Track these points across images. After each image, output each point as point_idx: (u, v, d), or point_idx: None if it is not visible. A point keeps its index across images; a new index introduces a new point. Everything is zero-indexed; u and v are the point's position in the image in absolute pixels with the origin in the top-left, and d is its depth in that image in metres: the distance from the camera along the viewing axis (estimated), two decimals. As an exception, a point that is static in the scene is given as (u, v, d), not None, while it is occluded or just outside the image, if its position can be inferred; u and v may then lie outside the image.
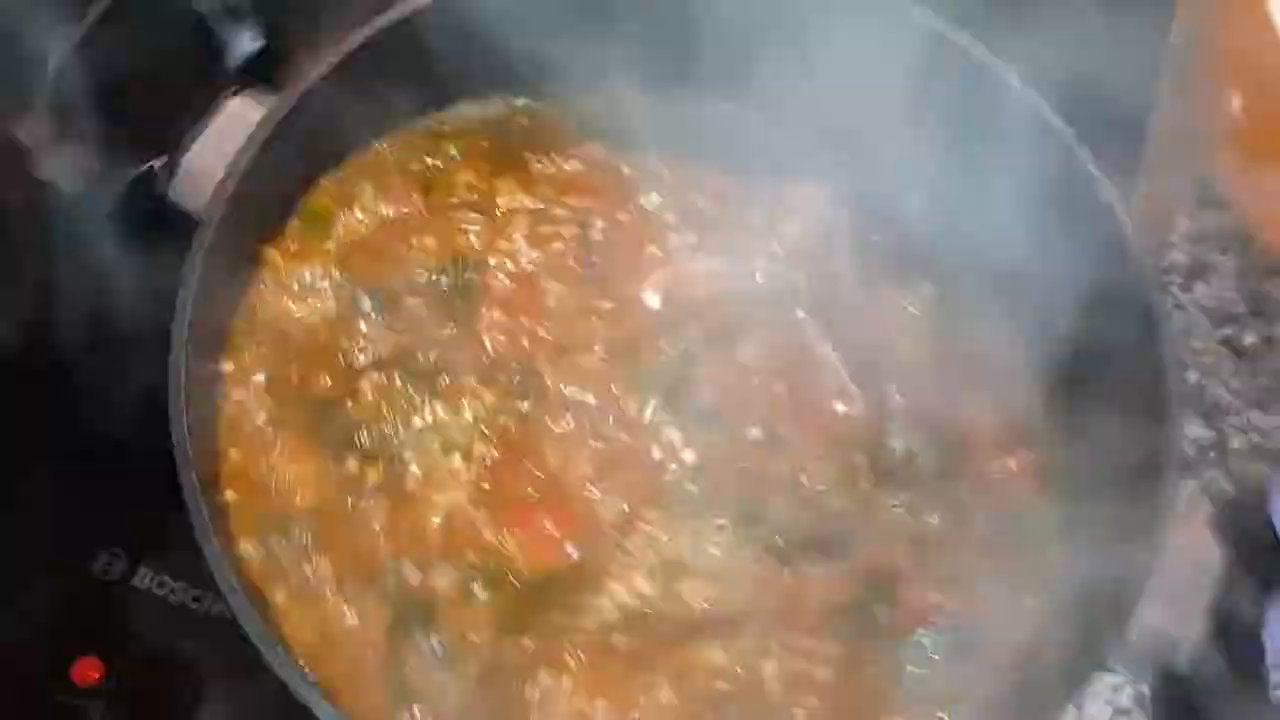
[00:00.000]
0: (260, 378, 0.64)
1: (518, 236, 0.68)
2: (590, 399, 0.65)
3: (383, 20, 0.66)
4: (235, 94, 0.64)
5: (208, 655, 0.67)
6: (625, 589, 0.61)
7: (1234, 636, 0.56)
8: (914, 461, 0.65)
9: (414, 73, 0.68)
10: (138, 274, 0.66)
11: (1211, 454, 0.80)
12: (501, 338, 0.66)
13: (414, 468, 0.62)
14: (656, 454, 0.64)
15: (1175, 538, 0.56)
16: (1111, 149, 0.83)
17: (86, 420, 0.69)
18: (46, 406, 0.70)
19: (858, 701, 0.60)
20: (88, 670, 0.66)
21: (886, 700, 0.60)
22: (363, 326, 0.65)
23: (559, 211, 0.70)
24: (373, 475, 0.62)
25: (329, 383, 0.64)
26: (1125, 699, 0.74)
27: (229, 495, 0.61)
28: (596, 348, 0.66)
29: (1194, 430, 0.80)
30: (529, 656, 0.59)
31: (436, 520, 0.62)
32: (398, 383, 0.64)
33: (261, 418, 0.63)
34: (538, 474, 0.63)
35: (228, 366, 0.64)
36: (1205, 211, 0.86)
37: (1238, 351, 0.83)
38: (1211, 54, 0.83)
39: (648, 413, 0.64)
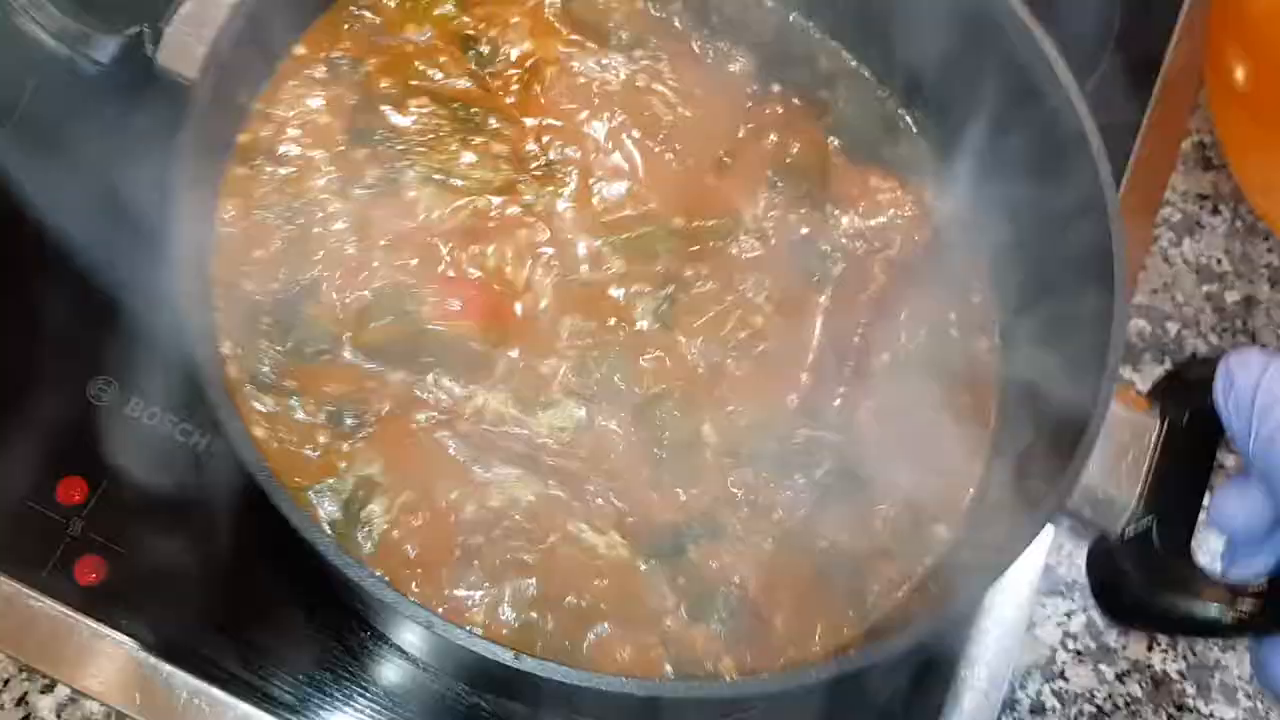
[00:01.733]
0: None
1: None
2: None
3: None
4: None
5: (188, 487, 0.68)
6: None
7: (1167, 506, 0.58)
8: None
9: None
10: (128, 133, 0.67)
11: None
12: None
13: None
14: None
15: (1115, 406, 0.58)
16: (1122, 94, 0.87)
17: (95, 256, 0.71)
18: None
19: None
20: (71, 489, 0.68)
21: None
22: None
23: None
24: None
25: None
26: (1076, 625, 0.77)
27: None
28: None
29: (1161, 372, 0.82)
30: None
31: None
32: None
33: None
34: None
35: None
36: (1201, 171, 0.88)
37: (1219, 308, 0.85)
38: (1222, 17, 0.85)
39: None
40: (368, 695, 0.68)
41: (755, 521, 0.64)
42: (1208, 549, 0.63)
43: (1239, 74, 0.85)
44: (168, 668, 0.66)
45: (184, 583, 0.67)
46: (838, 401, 0.66)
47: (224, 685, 0.66)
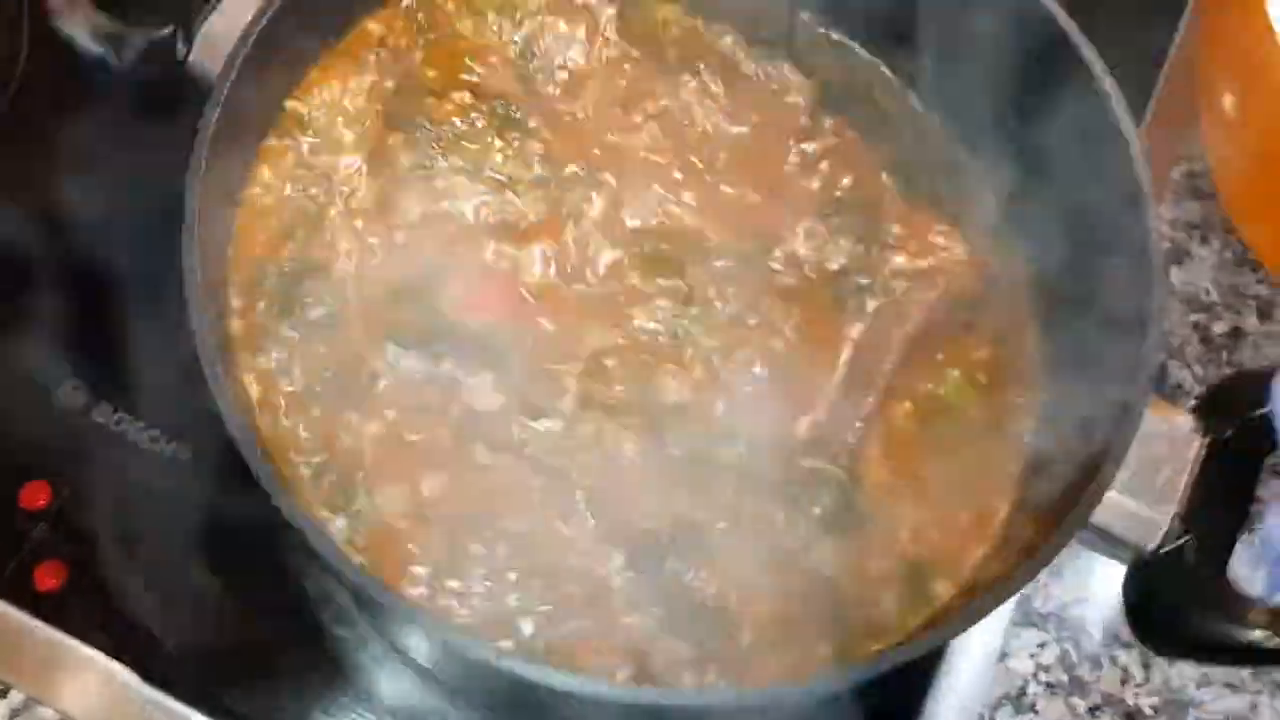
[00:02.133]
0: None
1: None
2: None
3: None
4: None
5: (155, 494, 0.68)
6: None
7: (1206, 525, 0.56)
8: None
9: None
10: (152, 135, 0.68)
11: (1169, 433, 0.81)
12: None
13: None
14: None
15: (1153, 419, 0.56)
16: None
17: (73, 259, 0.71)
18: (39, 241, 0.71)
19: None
20: (36, 494, 0.67)
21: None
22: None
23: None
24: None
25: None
26: (1049, 656, 0.75)
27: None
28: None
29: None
30: None
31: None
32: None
33: None
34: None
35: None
36: (1191, 199, 0.87)
37: (1206, 339, 0.84)
38: (1212, 45, 0.84)
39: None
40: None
41: (742, 543, 0.62)
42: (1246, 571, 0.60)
43: (1228, 103, 0.85)
44: (125, 676, 0.65)
45: (146, 592, 0.67)
46: (850, 438, 0.64)
47: (181, 696, 0.66)
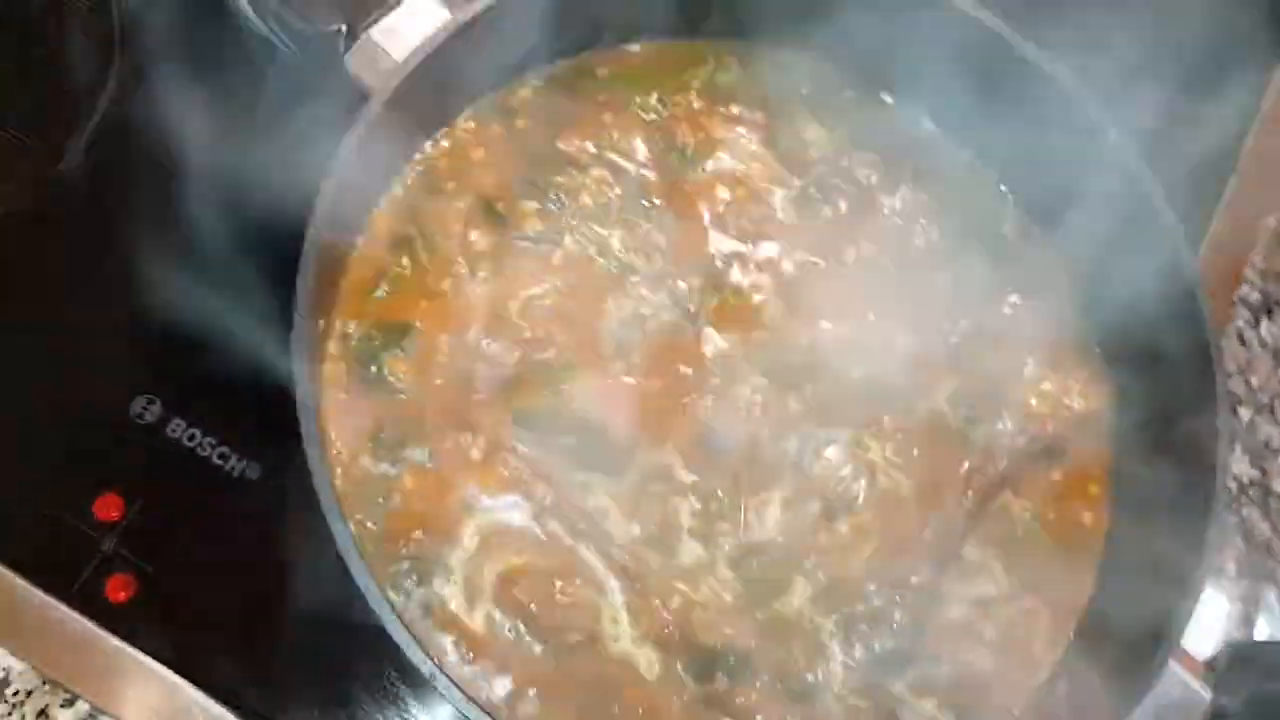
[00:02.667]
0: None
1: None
2: None
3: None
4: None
5: (224, 511, 0.69)
6: None
7: None
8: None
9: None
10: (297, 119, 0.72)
11: (1252, 492, 0.78)
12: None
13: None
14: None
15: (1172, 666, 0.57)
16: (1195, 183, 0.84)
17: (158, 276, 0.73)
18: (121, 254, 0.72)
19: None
20: (109, 506, 0.68)
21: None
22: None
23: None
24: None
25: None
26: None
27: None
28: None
29: (1238, 467, 0.78)
30: None
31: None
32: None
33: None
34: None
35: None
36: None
37: (1296, 395, 0.81)
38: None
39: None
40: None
41: (796, 671, 0.63)
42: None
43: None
44: (189, 690, 0.66)
45: (213, 608, 0.67)
46: (916, 579, 0.64)
47: (243, 713, 0.66)
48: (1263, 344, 0.82)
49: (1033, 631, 0.65)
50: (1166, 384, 0.66)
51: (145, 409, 0.70)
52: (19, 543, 0.67)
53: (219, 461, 0.70)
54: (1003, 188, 0.74)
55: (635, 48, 0.74)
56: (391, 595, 0.61)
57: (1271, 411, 0.80)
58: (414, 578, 0.62)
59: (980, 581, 0.65)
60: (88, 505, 0.68)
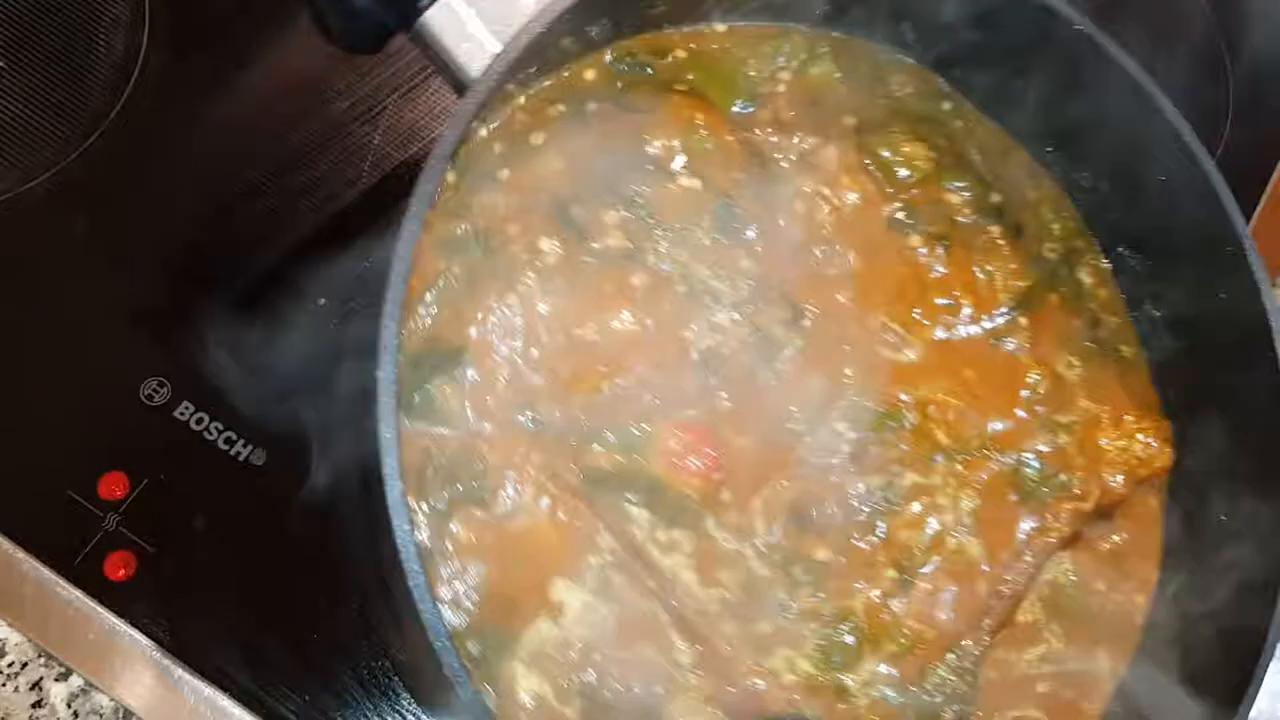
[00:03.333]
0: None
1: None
2: None
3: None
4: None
5: (228, 496, 0.69)
6: None
7: None
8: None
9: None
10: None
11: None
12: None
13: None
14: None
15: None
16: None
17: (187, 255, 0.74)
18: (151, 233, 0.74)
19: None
20: (113, 485, 0.69)
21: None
22: None
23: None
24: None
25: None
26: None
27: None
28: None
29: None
30: None
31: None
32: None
33: None
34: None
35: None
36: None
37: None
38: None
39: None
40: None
41: None
42: None
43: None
44: (180, 671, 0.67)
45: (211, 590, 0.68)
46: (970, 643, 0.61)
47: (234, 696, 0.67)
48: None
49: (1083, 692, 0.62)
50: (1237, 434, 0.64)
51: (155, 390, 0.71)
52: (23, 516, 0.68)
53: (225, 446, 0.70)
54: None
55: (721, 27, 0.66)
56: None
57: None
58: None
59: (1033, 644, 0.63)
60: (93, 483, 0.69)
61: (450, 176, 0.58)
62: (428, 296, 0.57)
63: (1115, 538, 0.65)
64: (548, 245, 0.60)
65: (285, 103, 0.78)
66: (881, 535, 0.61)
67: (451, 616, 0.54)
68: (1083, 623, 0.63)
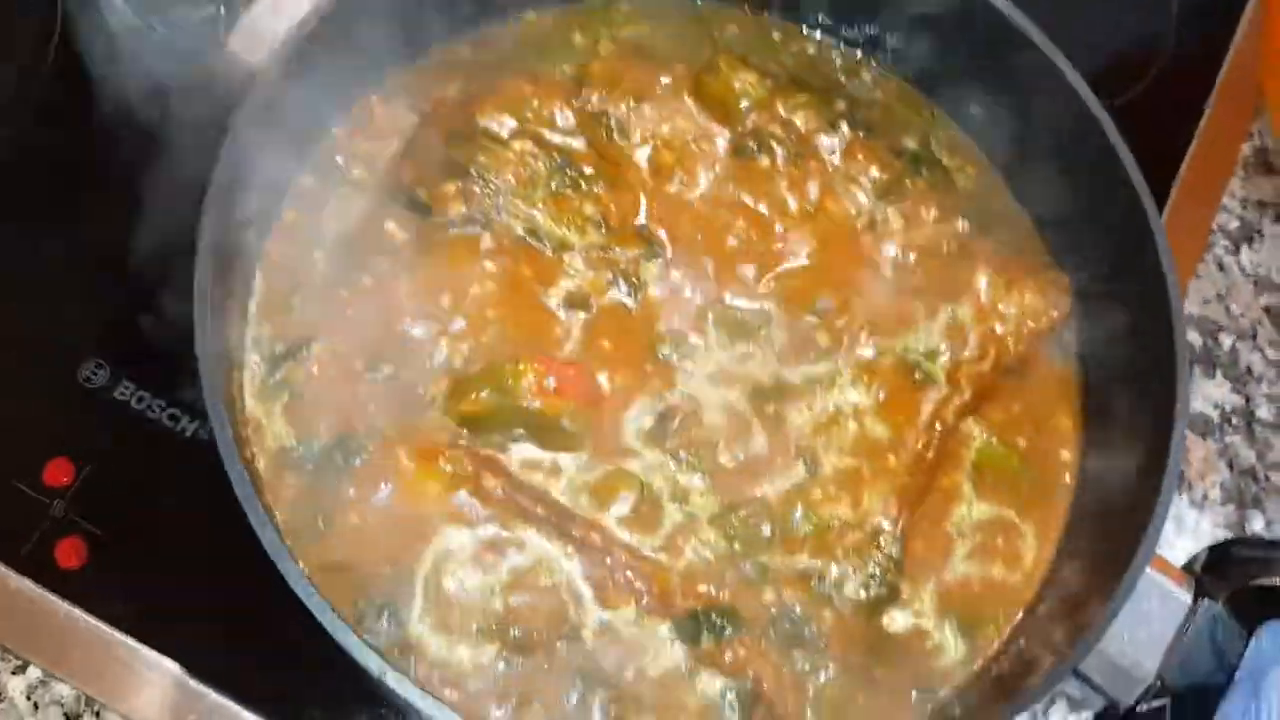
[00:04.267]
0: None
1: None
2: None
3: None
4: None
5: (175, 473, 0.68)
6: None
7: (1187, 689, 0.54)
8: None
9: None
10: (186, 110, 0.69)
11: (1235, 420, 0.76)
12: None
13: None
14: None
15: (1151, 578, 0.55)
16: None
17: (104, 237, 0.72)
18: (67, 213, 0.72)
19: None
20: (58, 471, 0.67)
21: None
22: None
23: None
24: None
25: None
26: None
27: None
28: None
29: (1220, 393, 0.76)
30: None
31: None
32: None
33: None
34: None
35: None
36: (1261, 176, 0.82)
37: (1277, 321, 0.78)
38: (1277, 23, 0.80)
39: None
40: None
41: (783, 624, 0.60)
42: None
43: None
44: (143, 652, 0.65)
45: (165, 570, 0.66)
46: (886, 521, 0.62)
47: (200, 675, 0.65)
48: (1243, 271, 0.80)
49: (1016, 548, 0.63)
50: (1119, 284, 0.64)
51: (94, 373, 0.69)
52: (-32, 510, 0.66)
53: (169, 424, 0.69)
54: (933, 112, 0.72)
55: (532, 15, 0.72)
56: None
57: (1253, 338, 0.78)
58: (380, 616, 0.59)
59: (957, 508, 0.63)
60: (38, 470, 0.67)
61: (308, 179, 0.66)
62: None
63: (1026, 396, 0.66)
64: (393, 227, 0.65)
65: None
66: (784, 425, 0.63)
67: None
68: (1006, 481, 0.64)
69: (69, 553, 0.66)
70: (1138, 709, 0.54)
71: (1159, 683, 0.54)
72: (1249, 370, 0.77)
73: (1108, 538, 0.59)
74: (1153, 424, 0.59)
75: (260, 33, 0.64)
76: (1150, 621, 0.54)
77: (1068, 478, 0.64)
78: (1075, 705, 0.69)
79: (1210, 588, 0.55)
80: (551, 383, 0.62)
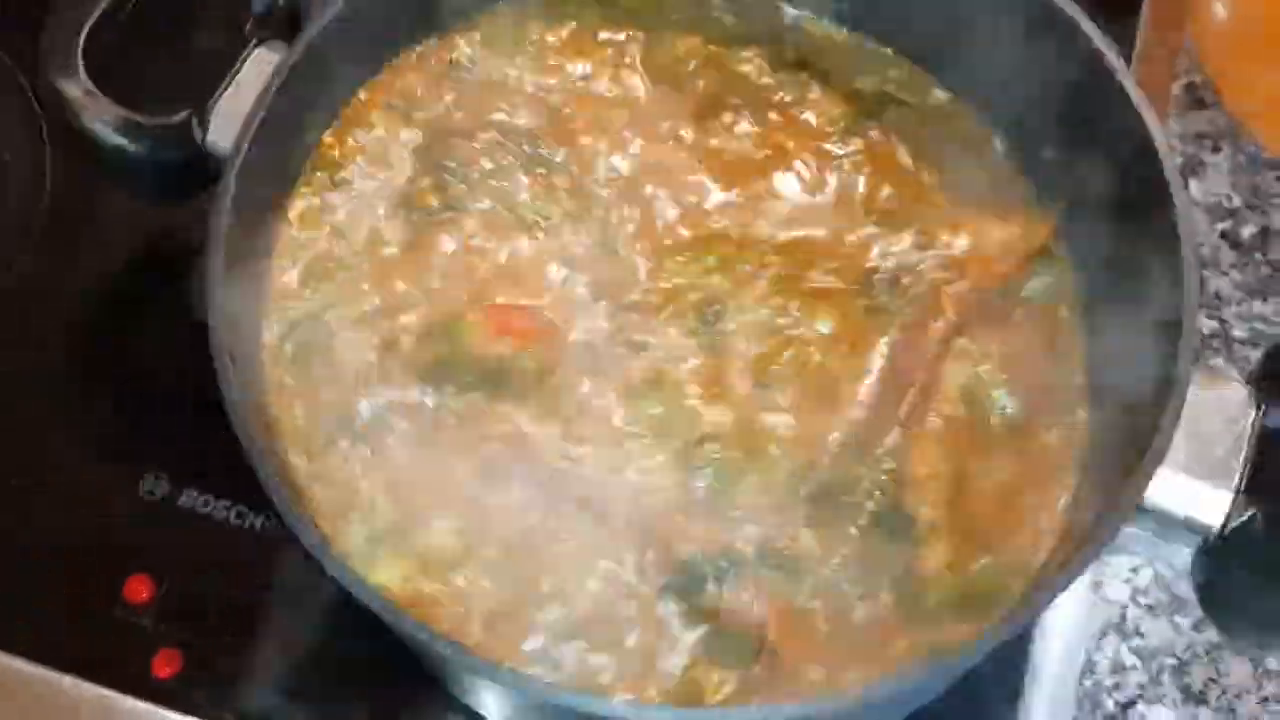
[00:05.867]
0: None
1: None
2: None
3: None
4: (258, 45, 0.66)
5: (250, 569, 0.70)
6: None
7: (1271, 497, 0.53)
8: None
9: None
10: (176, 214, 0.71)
11: (1215, 343, 0.82)
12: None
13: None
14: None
15: (1204, 393, 0.54)
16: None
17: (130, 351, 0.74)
18: (91, 336, 0.74)
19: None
20: (138, 588, 0.69)
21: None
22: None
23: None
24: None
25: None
26: (1144, 579, 0.76)
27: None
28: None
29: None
30: None
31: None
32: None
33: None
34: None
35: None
36: (1195, 111, 0.89)
37: (1235, 244, 0.85)
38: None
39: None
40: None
41: (783, 563, 0.60)
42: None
43: (1219, 9, 0.86)
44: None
45: (261, 665, 0.68)
46: (891, 439, 0.62)
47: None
48: (1195, 203, 0.86)
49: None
50: (1109, 187, 0.63)
51: (154, 485, 0.71)
52: (57, 641, 0.67)
53: (236, 521, 0.71)
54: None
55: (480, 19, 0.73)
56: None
57: (1217, 265, 0.84)
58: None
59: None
60: (118, 591, 0.69)
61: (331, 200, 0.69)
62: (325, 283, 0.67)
63: (1024, 308, 0.66)
64: (392, 229, 0.68)
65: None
66: (750, 352, 0.64)
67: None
68: (1008, 427, 0.64)
69: (163, 664, 0.68)
70: (1227, 529, 0.53)
71: (1242, 499, 0.53)
72: (1218, 295, 0.83)
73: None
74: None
75: (232, 121, 0.65)
76: (1217, 442, 0.54)
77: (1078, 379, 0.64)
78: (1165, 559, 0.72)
79: (1274, 390, 0.54)
80: (506, 332, 0.64)
